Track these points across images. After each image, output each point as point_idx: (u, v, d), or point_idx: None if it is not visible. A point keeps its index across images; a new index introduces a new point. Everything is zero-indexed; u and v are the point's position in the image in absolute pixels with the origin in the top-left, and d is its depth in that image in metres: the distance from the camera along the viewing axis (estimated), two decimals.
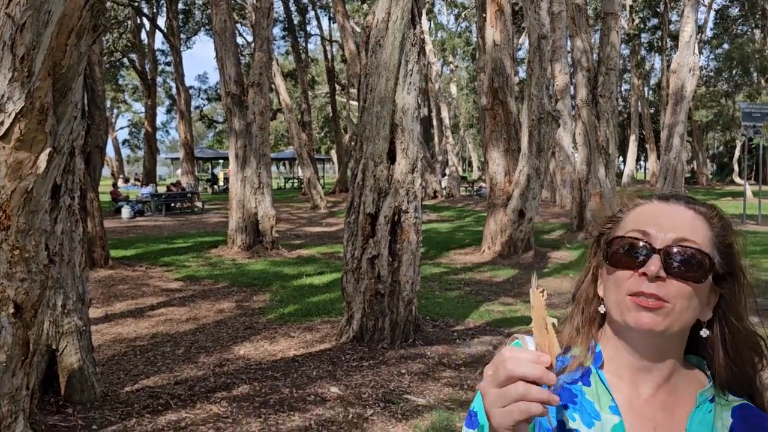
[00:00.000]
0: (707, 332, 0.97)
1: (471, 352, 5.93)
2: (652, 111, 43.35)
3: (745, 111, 22.24)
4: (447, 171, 32.73)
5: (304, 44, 36.81)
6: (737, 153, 39.72)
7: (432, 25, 37.32)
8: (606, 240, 1.00)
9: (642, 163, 53.31)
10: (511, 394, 0.80)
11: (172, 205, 23.84)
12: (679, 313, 0.92)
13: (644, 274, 0.92)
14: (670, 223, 0.95)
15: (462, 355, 5.83)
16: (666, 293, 0.91)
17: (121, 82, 43.99)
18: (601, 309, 1.00)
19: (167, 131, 57.34)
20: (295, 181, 43.55)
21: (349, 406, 4.54)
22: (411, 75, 6.10)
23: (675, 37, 28.18)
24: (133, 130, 52.89)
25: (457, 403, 4.63)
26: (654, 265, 0.91)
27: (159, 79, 39.06)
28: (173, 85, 36.54)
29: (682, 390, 0.99)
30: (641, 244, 0.94)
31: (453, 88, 40.29)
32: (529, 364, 0.80)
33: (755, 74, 36.50)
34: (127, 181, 39.07)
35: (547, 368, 0.81)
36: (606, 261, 0.98)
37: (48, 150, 3.42)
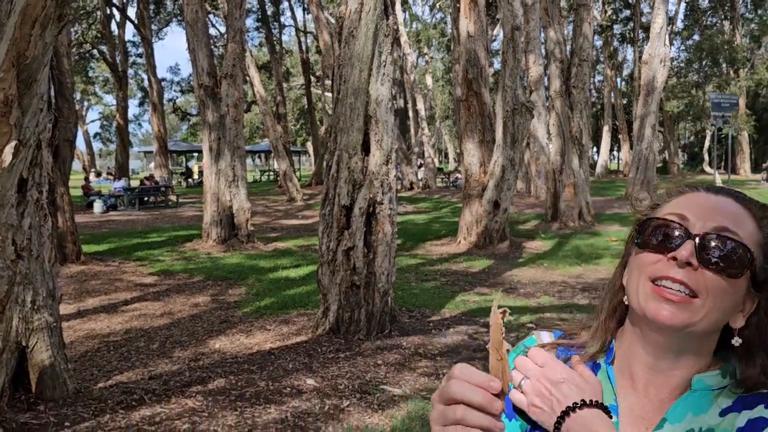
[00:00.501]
0: (739, 341, 0.88)
1: (447, 342, 5.97)
2: (624, 102, 43.89)
3: (714, 101, 22.63)
4: (420, 162, 32.79)
5: (278, 35, 36.52)
6: (707, 143, 40.45)
7: (407, 16, 37.29)
8: (639, 222, 0.92)
9: (615, 153, 53.99)
10: (449, 416, 0.76)
11: (146, 199, 23.53)
12: (706, 312, 0.84)
13: (674, 258, 0.84)
14: (712, 212, 0.87)
15: (438, 345, 5.87)
16: (695, 283, 0.83)
17: (91, 74, 43.14)
18: (626, 300, 0.92)
19: (140, 124, 56.55)
20: (271, 173, 43.27)
21: (326, 398, 4.55)
22: (384, 66, 6.09)
23: (647, 29, 28.55)
24: (105, 123, 52.02)
25: (433, 392, 4.66)
26: (686, 250, 0.84)
27: (130, 71, 38.39)
28: (145, 77, 36.03)
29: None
30: (676, 227, 0.86)
31: (428, 80, 40.31)
32: (473, 389, 0.75)
33: (724, 65, 37.16)
34: (99, 175, 38.46)
35: (497, 395, 0.76)
36: (635, 243, 0.91)
37: (13, 143, 3.35)
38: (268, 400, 4.52)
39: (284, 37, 43.33)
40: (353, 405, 4.43)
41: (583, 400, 0.85)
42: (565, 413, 0.86)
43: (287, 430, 4.03)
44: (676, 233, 0.86)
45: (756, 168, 37.98)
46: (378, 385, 4.80)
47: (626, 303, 0.92)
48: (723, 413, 0.86)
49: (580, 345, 0.98)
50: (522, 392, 0.90)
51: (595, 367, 0.95)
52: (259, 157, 54.24)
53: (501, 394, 0.77)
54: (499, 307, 0.80)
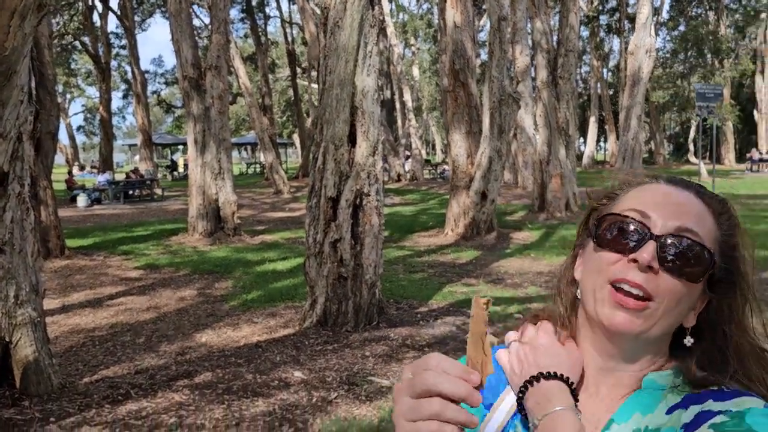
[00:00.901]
0: (691, 340, 0.85)
1: (434, 333, 5.99)
2: (611, 92, 44.06)
3: (699, 92, 22.73)
4: (407, 153, 32.76)
5: (263, 26, 36.26)
6: (692, 133, 40.72)
7: (393, 7, 37.10)
8: (597, 216, 0.88)
9: (602, 144, 54.26)
10: (424, 410, 0.70)
11: (131, 192, 23.33)
12: (661, 315, 0.81)
13: (634, 260, 0.80)
14: (674, 210, 0.83)
15: (425, 336, 5.88)
16: (654, 288, 0.80)
17: (73, 66, 42.59)
18: (578, 293, 0.89)
19: (124, 117, 55.75)
20: (257, 166, 43.03)
21: (313, 390, 4.55)
22: (370, 57, 6.05)
23: (633, 19, 28.61)
24: (88, 115, 51.44)
25: None
26: (647, 252, 0.79)
27: (113, 63, 37.93)
28: (128, 68, 35.62)
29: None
30: (637, 226, 0.82)
31: (415, 71, 40.22)
32: (453, 380, 0.70)
33: (709, 55, 37.40)
34: (82, 168, 38.09)
35: (476, 388, 0.72)
36: (592, 239, 0.86)
37: None
38: (256, 393, 4.51)
39: (270, 28, 43.14)
40: (341, 397, 4.43)
41: (549, 372, 0.84)
42: (529, 382, 0.85)
43: (275, 423, 4.02)
44: (637, 233, 0.82)
45: (740, 158, 38.37)
46: (366, 377, 4.80)
47: (578, 297, 0.89)
48: (669, 411, 0.83)
49: None
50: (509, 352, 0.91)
51: None
52: (245, 149, 53.89)
53: (479, 388, 0.73)
54: (482, 296, 0.77)
